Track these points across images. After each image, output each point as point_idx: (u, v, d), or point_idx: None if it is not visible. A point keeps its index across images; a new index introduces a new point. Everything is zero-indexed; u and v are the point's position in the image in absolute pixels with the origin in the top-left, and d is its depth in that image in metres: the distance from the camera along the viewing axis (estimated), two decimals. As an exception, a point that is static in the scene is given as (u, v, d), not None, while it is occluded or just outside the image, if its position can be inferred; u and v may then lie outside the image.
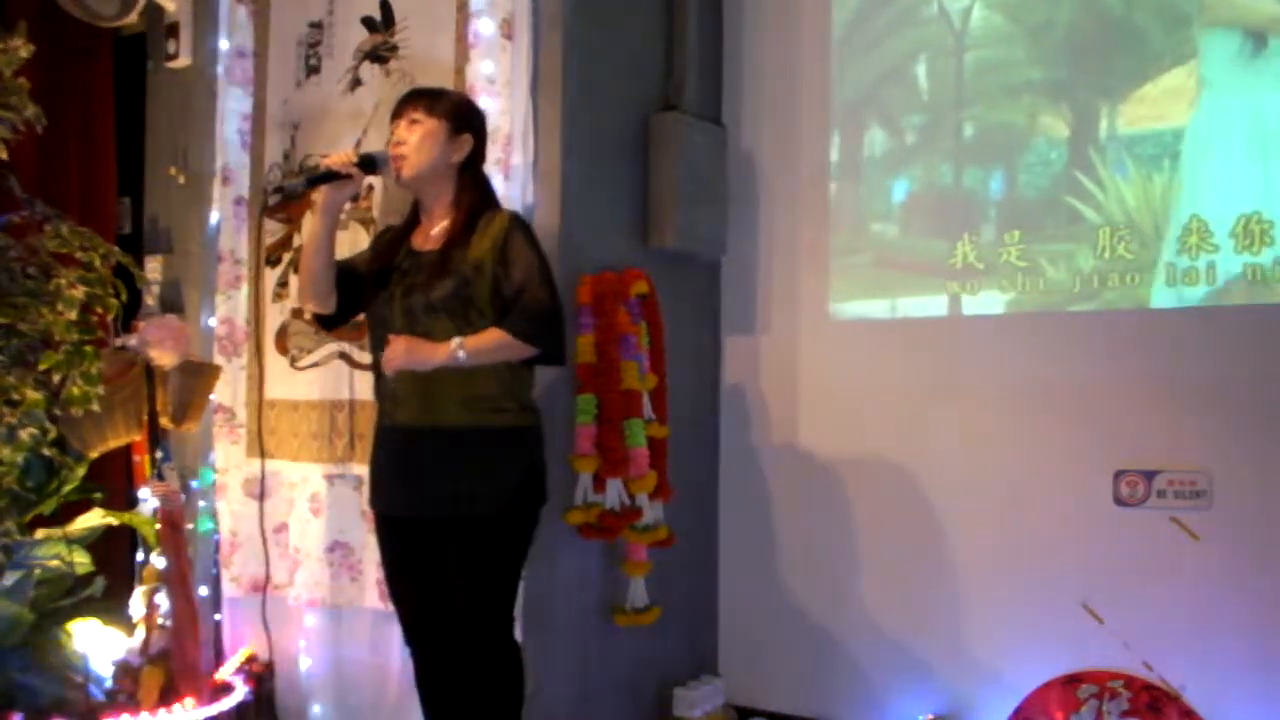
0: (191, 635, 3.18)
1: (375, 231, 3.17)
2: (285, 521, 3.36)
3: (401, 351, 2.46)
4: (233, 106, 3.56)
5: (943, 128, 3.45)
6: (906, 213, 3.52)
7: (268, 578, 3.33)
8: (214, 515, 3.52)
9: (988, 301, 3.33)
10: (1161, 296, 3.09)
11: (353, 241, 3.18)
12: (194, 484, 3.54)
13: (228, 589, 3.48)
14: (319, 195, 2.63)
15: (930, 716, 3.27)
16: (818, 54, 3.62)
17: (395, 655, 3.18)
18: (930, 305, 3.43)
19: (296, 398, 3.39)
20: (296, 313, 3.40)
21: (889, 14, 3.56)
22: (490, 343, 2.47)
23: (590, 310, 3.09)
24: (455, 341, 2.44)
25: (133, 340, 3.27)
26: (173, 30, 3.72)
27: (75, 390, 2.43)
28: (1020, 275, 3.28)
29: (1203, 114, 3.06)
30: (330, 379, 3.32)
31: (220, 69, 3.59)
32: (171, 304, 3.71)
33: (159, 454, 3.39)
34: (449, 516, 2.54)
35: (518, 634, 2.71)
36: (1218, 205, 3.02)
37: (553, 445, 2.75)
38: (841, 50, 3.62)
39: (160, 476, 3.32)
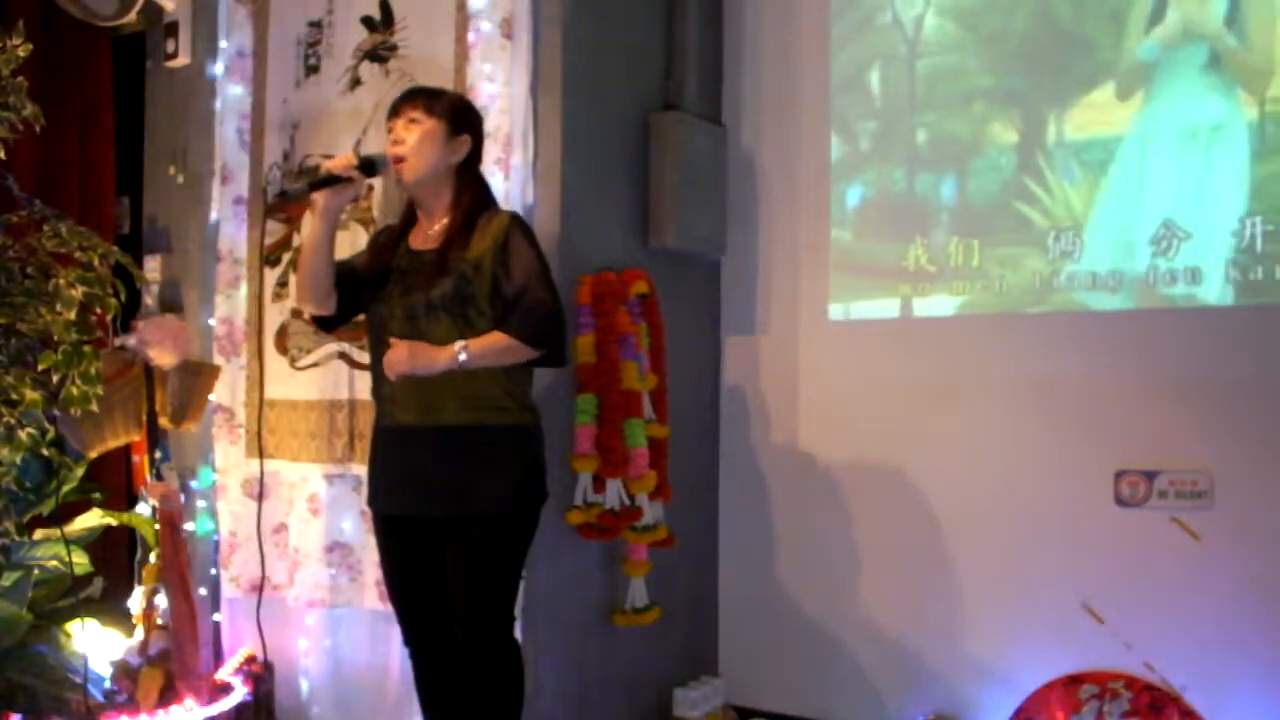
0: (191, 636, 3.18)
1: (373, 232, 3.17)
2: (284, 522, 3.36)
3: (405, 356, 2.46)
4: (232, 106, 3.56)
5: (896, 134, 3.50)
6: (860, 218, 3.56)
7: (264, 578, 3.32)
8: (213, 515, 3.51)
9: (939, 305, 3.39)
10: (1109, 300, 3.13)
11: (353, 241, 3.18)
12: (193, 484, 3.53)
13: (227, 589, 3.47)
14: (319, 198, 2.63)
15: (930, 716, 3.26)
16: (817, 54, 3.61)
17: (395, 655, 3.18)
18: (883, 309, 3.48)
19: (296, 398, 3.38)
20: (296, 313, 3.39)
21: (845, 22, 3.59)
22: (492, 345, 2.47)
23: (590, 310, 3.09)
24: (458, 345, 2.44)
25: (132, 340, 3.27)
26: (172, 29, 3.72)
27: (74, 390, 2.42)
28: (971, 279, 3.33)
29: (1148, 120, 3.11)
30: (330, 379, 3.32)
31: (219, 68, 3.59)
32: (170, 304, 3.70)
33: (158, 454, 3.38)
34: (449, 515, 2.54)
35: (518, 634, 2.70)
36: (1167, 210, 3.06)
37: (553, 445, 2.75)
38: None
39: (159, 476, 3.32)
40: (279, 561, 3.35)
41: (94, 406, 2.46)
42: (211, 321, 3.57)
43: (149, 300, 3.71)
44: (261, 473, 3.27)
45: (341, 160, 2.61)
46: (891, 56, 3.51)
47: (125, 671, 3.18)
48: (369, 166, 2.61)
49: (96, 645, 3.11)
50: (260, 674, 3.38)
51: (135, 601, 3.34)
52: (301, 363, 3.39)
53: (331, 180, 2.58)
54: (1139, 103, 3.13)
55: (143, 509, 3.41)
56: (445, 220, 2.61)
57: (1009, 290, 3.27)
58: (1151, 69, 3.11)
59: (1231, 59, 3.01)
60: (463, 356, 2.44)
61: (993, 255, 3.29)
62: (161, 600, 3.26)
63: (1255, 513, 2.92)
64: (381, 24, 3.30)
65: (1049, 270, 3.22)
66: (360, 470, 3.11)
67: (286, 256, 3.45)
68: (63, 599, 3.15)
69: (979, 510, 3.28)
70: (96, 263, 2.52)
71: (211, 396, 3.46)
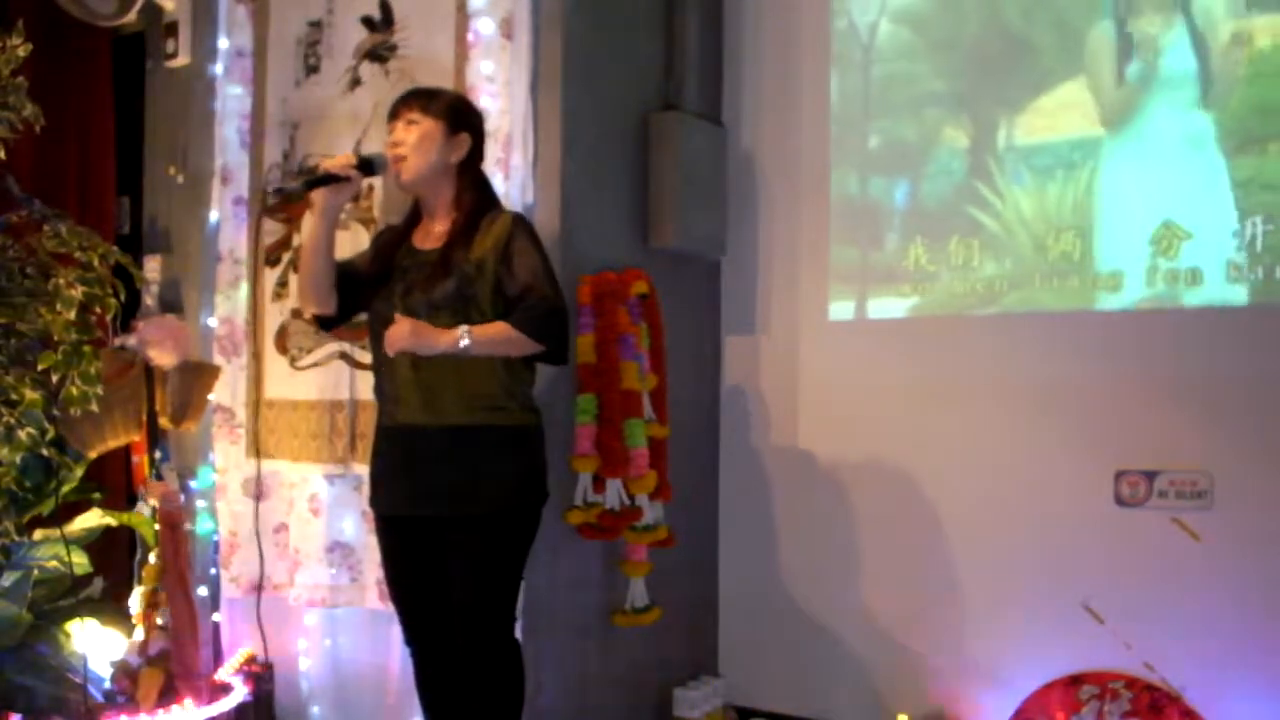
0: (191, 636, 3.18)
1: (376, 231, 3.17)
2: (285, 522, 3.36)
3: (406, 332, 2.44)
4: (232, 106, 3.55)
5: (851, 139, 3.56)
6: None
7: (261, 577, 3.31)
8: (213, 515, 3.51)
9: (891, 306, 3.46)
10: (1109, 300, 3.15)
11: (354, 241, 3.18)
12: (193, 484, 3.53)
13: (227, 589, 3.47)
14: (318, 198, 2.63)
15: (930, 716, 3.26)
16: (818, 54, 3.62)
17: (395, 655, 3.17)
18: (837, 311, 3.55)
19: (296, 398, 3.38)
20: (296, 313, 3.39)
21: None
22: (496, 334, 2.46)
23: (590, 310, 3.09)
24: (461, 329, 2.43)
25: (131, 340, 3.26)
26: (172, 29, 3.72)
27: (74, 390, 2.42)
28: (923, 281, 3.40)
29: (1096, 125, 3.17)
30: (330, 379, 3.32)
31: (219, 68, 3.58)
32: (170, 304, 3.70)
33: (158, 454, 3.38)
34: (450, 515, 2.54)
35: (518, 634, 2.70)
36: (1166, 210, 3.07)
37: (553, 445, 2.75)
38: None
39: (159, 476, 3.32)
40: (279, 561, 3.35)
41: (94, 406, 2.46)
42: (211, 321, 3.57)
43: (149, 300, 3.71)
44: (258, 472, 3.26)
45: (339, 159, 2.61)
46: (848, 63, 3.57)
47: (125, 671, 3.18)
48: (367, 166, 2.61)
49: (96, 645, 3.10)
50: (260, 674, 3.38)
51: (135, 601, 3.33)
52: (302, 363, 3.39)
53: (328, 179, 2.58)
54: (1108, 104, 3.16)
55: (143, 509, 3.40)
56: (448, 220, 2.62)
57: (959, 293, 3.34)
58: (1119, 69, 3.15)
59: (1195, 60, 3.05)
60: (465, 341, 2.43)
61: (944, 258, 3.36)
62: (162, 600, 3.26)
63: (1255, 513, 2.92)
64: (381, 24, 3.30)
65: (1002, 273, 3.28)
66: (361, 470, 3.11)
67: (287, 256, 3.45)
68: (63, 599, 3.14)
69: (979, 510, 3.28)
70: (96, 263, 2.52)
71: (211, 396, 3.46)
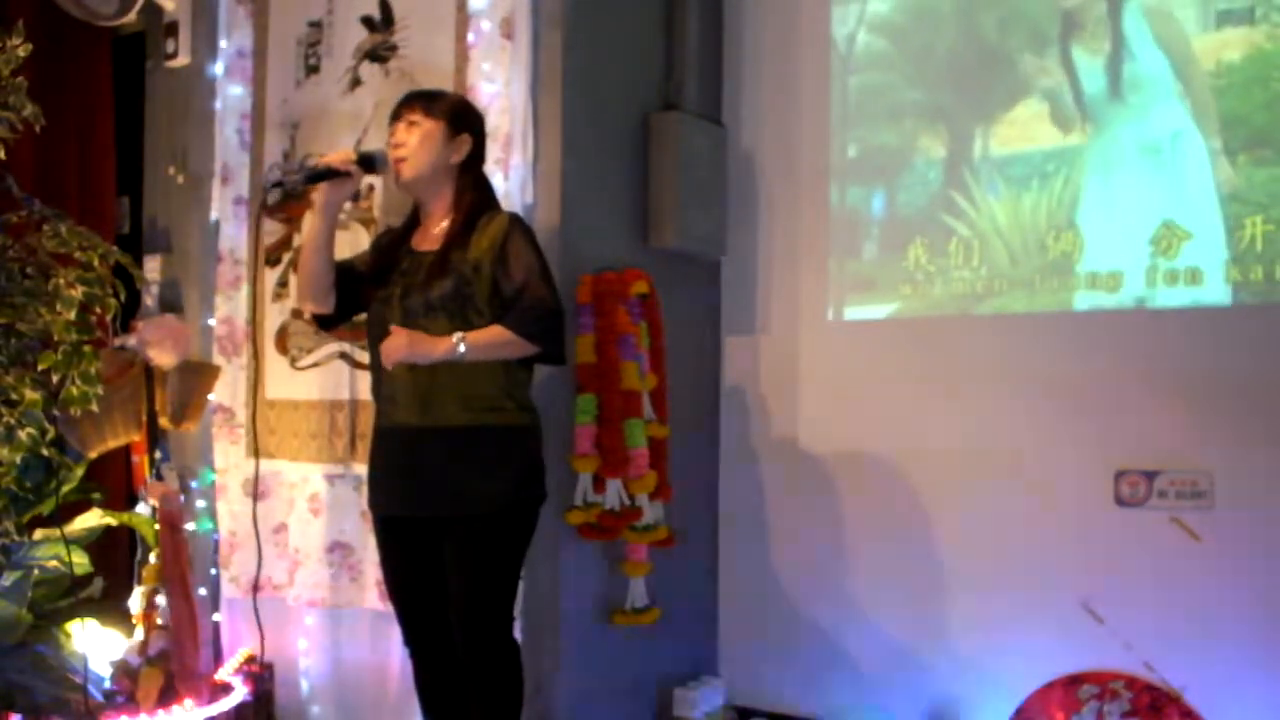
0: (190, 636, 3.18)
1: (376, 231, 3.17)
2: (285, 522, 3.36)
3: (403, 343, 2.45)
4: (232, 106, 3.56)
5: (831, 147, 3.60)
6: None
7: (258, 577, 3.30)
8: (213, 515, 3.51)
9: (866, 313, 3.51)
10: (1109, 300, 3.15)
11: (354, 241, 3.18)
12: (193, 484, 3.53)
13: (227, 589, 3.48)
14: (318, 194, 2.63)
15: (930, 716, 3.26)
16: (818, 54, 3.62)
17: (395, 655, 3.18)
18: (829, 313, 3.60)
19: (296, 398, 3.38)
20: (296, 313, 3.39)
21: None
22: (492, 339, 2.47)
23: (590, 310, 3.09)
24: (457, 336, 2.44)
25: (131, 340, 3.27)
26: (172, 29, 3.72)
27: (74, 390, 2.42)
28: (899, 288, 3.43)
29: (1078, 132, 3.19)
30: (330, 379, 3.32)
31: (219, 68, 3.59)
32: (170, 304, 3.70)
33: (158, 454, 3.38)
34: (448, 516, 2.54)
35: (517, 634, 2.70)
36: (1165, 210, 3.07)
37: (553, 445, 2.75)
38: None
39: (159, 476, 3.32)
40: (279, 561, 3.35)
41: (94, 406, 2.45)
42: (211, 321, 3.57)
43: (149, 300, 3.71)
44: (256, 472, 3.25)
45: (339, 154, 2.63)
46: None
47: (125, 671, 3.18)
48: (367, 162, 2.62)
49: (96, 645, 3.10)
50: (260, 674, 3.38)
51: (135, 601, 3.33)
52: (302, 363, 3.39)
53: (328, 174, 2.59)
54: (1086, 112, 3.18)
55: (143, 509, 3.41)
56: (446, 221, 2.62)
57: (934, 300, 3.36)
58: (1096, 78, 3.18)
59: (1172, 69, 3.07)
60: (461, 348, 2.43)
61: (920, 265, 3.39)
62: (161, 600, 3.26)
63: (1255, 513, 2.92)
64: (381, 24, 3.31)
65: (978, 281, 3.30)
66: (361, 470, 3.11)
67: (287, 256, 3.45)
68: (63, 599, 3.14)
69: (979, 510, 3.27)
70: (96, 263, 2.52)
71: (211, 396, 3.46)
